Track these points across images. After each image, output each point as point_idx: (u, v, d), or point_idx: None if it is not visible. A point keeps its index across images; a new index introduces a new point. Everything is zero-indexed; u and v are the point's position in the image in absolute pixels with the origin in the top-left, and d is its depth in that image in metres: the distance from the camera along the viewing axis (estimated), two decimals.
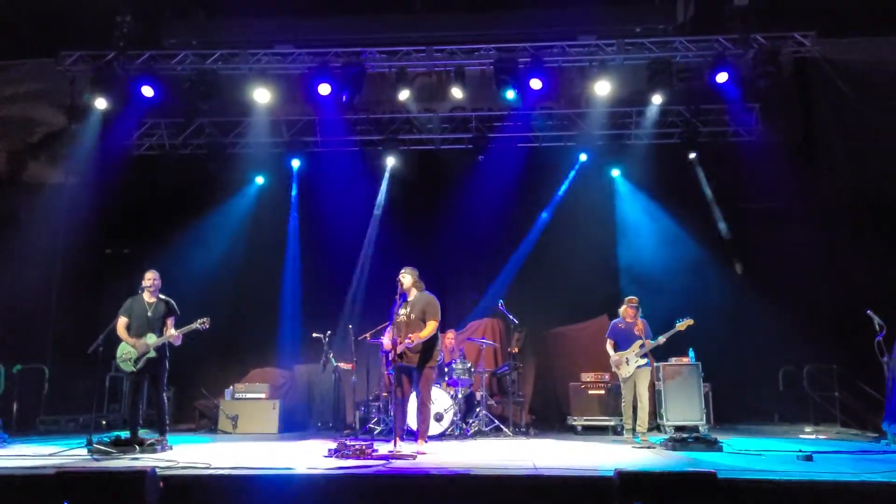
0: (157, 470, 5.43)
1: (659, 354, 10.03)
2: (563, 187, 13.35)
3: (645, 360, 9.28)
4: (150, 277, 8.46)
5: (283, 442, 9.27)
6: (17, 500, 5.57)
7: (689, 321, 9.12)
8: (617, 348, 9.39)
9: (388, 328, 8.37)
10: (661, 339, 9.17)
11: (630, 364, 9.21)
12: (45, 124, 12.32)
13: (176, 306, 8.60)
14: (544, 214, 13.41)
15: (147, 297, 8.38)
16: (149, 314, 8.33)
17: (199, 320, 8.37)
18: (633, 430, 9.28)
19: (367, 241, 13.43)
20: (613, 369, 9.49)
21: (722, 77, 11.25)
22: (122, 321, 8.28)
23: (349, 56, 11.69)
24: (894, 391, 8.76)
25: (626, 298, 9.59)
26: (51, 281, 11.78)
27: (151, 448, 7.65)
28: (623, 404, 9.51)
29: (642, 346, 9.17)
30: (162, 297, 8.54)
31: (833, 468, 6.43)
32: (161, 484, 5.28)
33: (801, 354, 11.66)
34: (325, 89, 11.48)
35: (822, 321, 11.33)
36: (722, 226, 12.71)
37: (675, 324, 9.10)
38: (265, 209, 13.36)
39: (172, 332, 8.32)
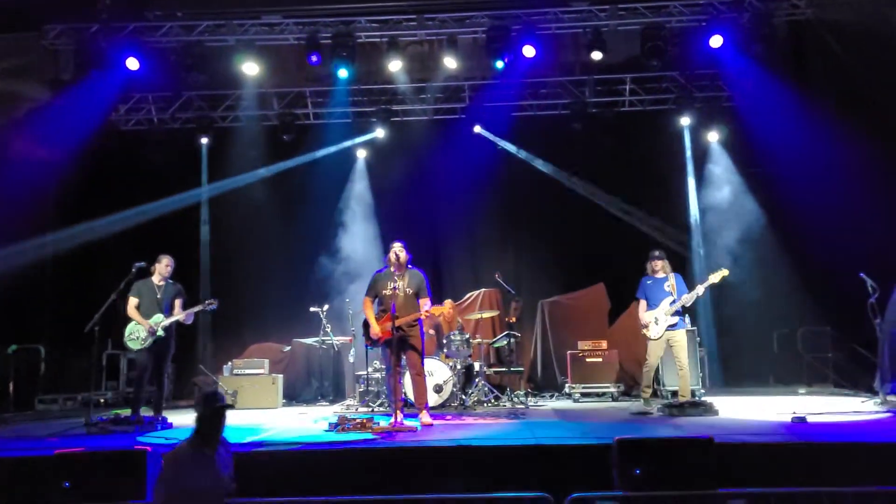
0: (157, 448, 5.44)
1: None
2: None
3: (677, 319, 8.60)
4: (167, 264, 8.59)
5: (284, 416, 9.29)
6: (17, 482, 5.58)
7: (723, 272, 8.53)
8: (648, 307, 8.77)
9: (370, 301, 8.27)
10: (695, 293, 8.51)
11: (659, 324, 8.59)
12: (30, 99, 12.14)
13: (183, 290, 8.77)
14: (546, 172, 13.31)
15: (157, 279, 8.49)
16: (158, 296, 8.47)
17: (206, 301, 8.60)
18: (655, 394, 8.96)
19: (362, 214, 13.38)
20: (643, 331, 8.85)
21: (716, 41, 11.16)
22: (133, 301, 8.39)
23: (339, 26, 11.53)
24: (886, 352, 8.82)
25: (651, 252, 8.93)
26: (43, 260, 11.70)
27: (151, 426, 7.67)
28: (645, 369, 8.88)
29: (673, 302, 8.54)
30: (170, 280, 8.66)
31: (826, 429, 6.48)
32: (161, 462, 5.29)
33: (796, 317, 11.75)
34: (314, 60, 11.35)
35: (816, 284, 11.37)
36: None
37: (707, 276, 8.58)
38: (258, 183, 13.26)
39: (190, 310, 8.50)
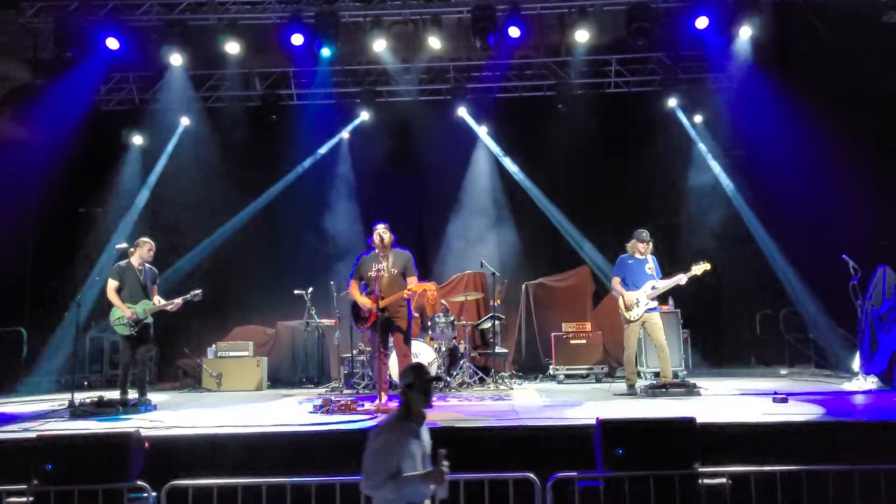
0: (142, 431, 5.42)
1: None
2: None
3: (655, 304, 8.68)
4: (149, 249, 8.49)
5: (269, 399, 9.28)
6: None
7: (705, 266, 8.48)
8: (625, 287, 8.67)
9: (355, 283, 8.22)
10: (676, 282, 8.49)
11: (640, 306, 8.54)
12: (9, 79, 11.97)
13: (157, 274, 8.76)
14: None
15: (136, 262, 8.36)
16: (141, 280, 8.38)
17: (192, 292, 8.48)
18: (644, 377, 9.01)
19: (347, 195, 13.32)
20: (621, 310, 8.73)
21: (702, 22, 11.14)
22: (112, 284, 8.25)
23: (322, 4, 11.40)
24: (867, 332, 8.92)
25: (637, 231, 8.81)
26: (25, 242, 11.59)
27: (135, 409, 7.64)
28: (626, 353, 8.79)
29: (654, 287, 8.53)
30: (149, 264, 8.58)
31: (807, 409, 6.56)
32: (146, 445, 5.28)
33: (777, 299, 11.85)
34: (298, 40, 11.23)
35: (799, 266, 11.46)
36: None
37: (690, 266, 8.51)
38: (242, 164, 13.16)
39: (176, 301, 8.42)
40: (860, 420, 5.79)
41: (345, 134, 13.57)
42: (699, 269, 8.44)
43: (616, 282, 8.81)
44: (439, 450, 4.11)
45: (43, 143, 11.50)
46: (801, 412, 6.37)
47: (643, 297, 8.55)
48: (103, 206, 12.75)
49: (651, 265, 8.64)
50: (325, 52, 11.46)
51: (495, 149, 13.43)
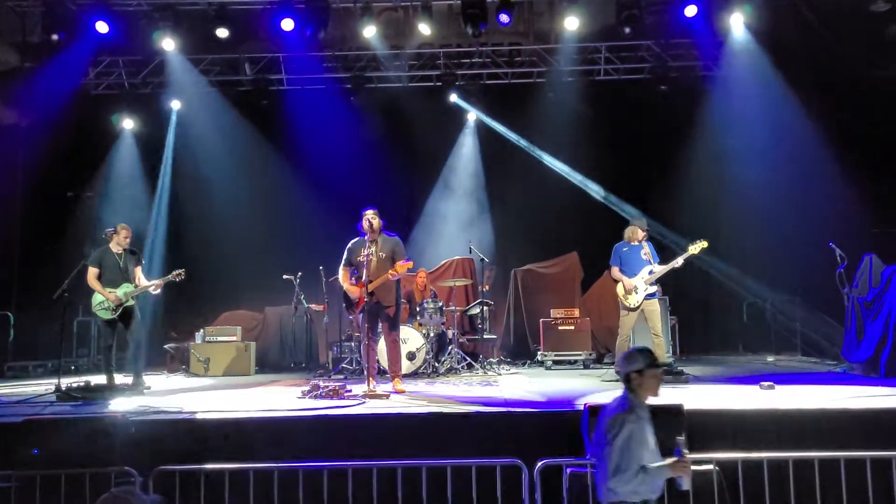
0: (128, 415, 5.42)
1: None
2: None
3: (655, 289, 8.61)
4: (126, 235, 8.53)
5: (257, 384, 9.28)
6: None
7: (702, 243, 8.34)
8: (625, 275, 8.59)
9: (345, 269, 8.22)
10: (673, 265, 8.37)
11: (639, 293, 8.46)
12: None
13: (141, 257, 8.81)
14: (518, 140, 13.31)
15: (115, 247, 8.40)
16: (121, 264, 8.41)
17: (174, 272, 8.54)
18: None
19: (337, 180, 13.27)
20: (620, 297, 8.65)
21: (691, 10, 11.14)
22: (93, 271, 8.31)
23: None
24: (853, 320, 8.98)
25: (633, 219, 8.82)
26: (12, 226, 11.52)
27: (121, 392, 7.63)
28: (619, 340, 8.66)
29: (651, 272, 8.47)
30: (129, 249, 8.61)
31: (794, 397, 6.61)
32: (132, 430, 5.28)
33: (765, 286, 11.91)
34: (288, 24, 11.16)
35: (786, 254, 11.51)
36: None
37: (687, 247, 8.39)
38: (231, 148, 13.09)
39: (156, 281, 8.50)
40: (845, 408, 5.83)
41: (336, 119, 13.47)
42: (696, 247, 8.33)
43: (615, 270, 8.75)
44: (678, 437, 4.00)
45: (31, 126, 11.42)
46: (788, 399, 6.41)
47: (641, 283, 8.49)
48: (93, 191, 12.69)
49: (647, 251, 8.57)
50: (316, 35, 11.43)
51: (485, 135, 13.41)
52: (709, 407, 5.93)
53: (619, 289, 8.68)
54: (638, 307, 8.52)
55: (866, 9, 10.62)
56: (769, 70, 11.76)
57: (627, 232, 8.73)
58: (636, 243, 8.62)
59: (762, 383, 7.21)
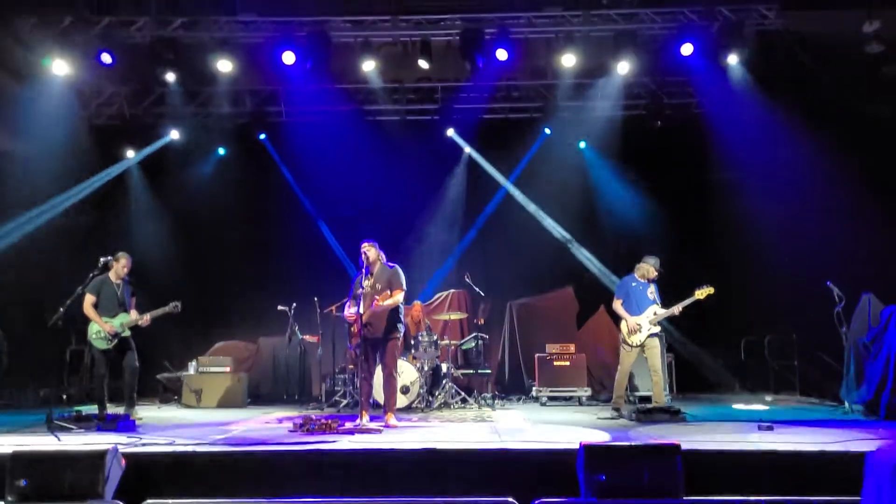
0: (119, 447, 5.35)
1: None
2: (527, 158, 13.33)
3: (658, 328, 8.73)
4: (125, 264, 8.63)
5: (249, 416, 9.20)
6: None
7: (709, 289, 8.41)
8: (626, 309, 8.71)
9: (348, 302, 8.28)
10: (677, 309, 8.50)
11: (643, 332, 8.59)
12: None
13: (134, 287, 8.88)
14: (508, 185, 13.40)
15: (114, 277, 8.42)
16: (118, 294, 8.49)
17: (171, 304, 8.58)
18: (628, 401, 9.11)
19: (333, 212, 13.31)
20: (623, 333, 8.75)
21: (687, 49, 11.26)
22: (89, 299, 8.32)
23: (314, 25, 11.45)
24: (853, 361, 8.93)
25: (651, 256, 8.84)
26: (5, 251, 11.46)
27: (114, 424, 7.54)
28: (618, 375, 8.80)
29: (656, 312, 8.58)
30: (126, 279, 8.71)
31: (793, 438, 6.54)
32: (123, 462, 5.21)
33: (763, 324, 11.88)
34: (289, 58, 11.25)
35: (783, 292, 11.50)
36: None
37: (694, 291, 8.45)
38: (228, 180, 13.13)
39: (146, 317, 8.53)
40: (847, 451, 5.76)
41: (333, 152, 13.52)
42: (702, 292, 8.40)
43: (618, 304, 8.83)
44: None
45: (27, 153, 11.45)
46: (788, 441, 6.34)
47: (646, 322, 8.59)
48: (87, 218, 12.67)
49: (652, 290, 8.69)
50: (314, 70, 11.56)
51: (482, 169, 13.48)
52: (707, 447, 5.86)
53: (623, 326, 8.74)
54: (637, 346, 8.61)
55: (860, 50, 10.74)
56: (764, 107, 11.86)
57: (641, 269, 8.79)
58: (645, 281, 8.70)
59: (761, 424, 7.14)
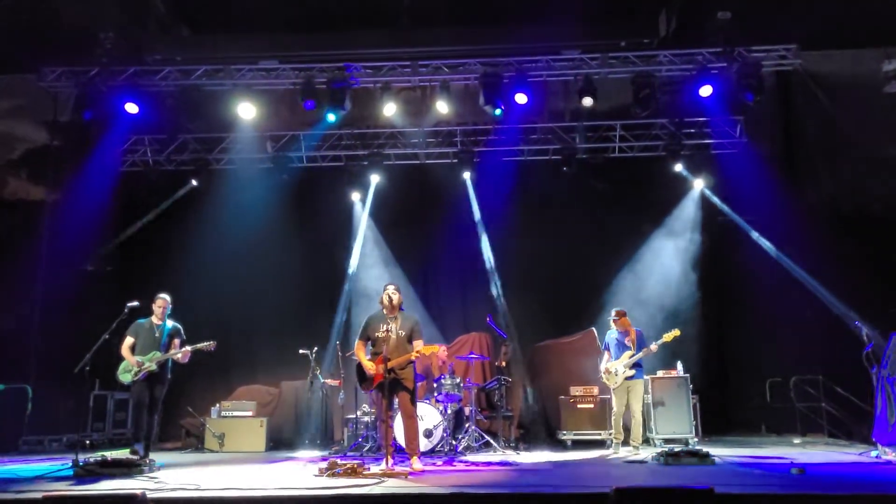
0: (147, 493, 5.34)
1: (647, 367, 10.04)
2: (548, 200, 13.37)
3: (633, 372, 9.40)
4: (160, 304, 8.82)
5: (272, 461, 9.15)
6: None
7: (675, 332, 9.40)
8: (612, 358, 9.57)
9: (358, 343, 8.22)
10: (647, 351, 9.36)
11: (618, 375, 9.40)
12: (27, 140, 12.19)
13: (182, 331, 9.00)
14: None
15: (155, 319, 8.68)
16: (156, 335, 8.67)
17: (207, 342, 8.64)
18: (624, 442, 9.40)
19: (353, 256, 13.36)
20: (602, 379, 9.67)
21: (706, 90, 11.37)
22: (128, 341, 8.64)
23: (334, 71, 11.68)
24: (884, 402, 8.78)
25: (620, 310, 9.74)
26: (33, 299, 11.61)
27: (139, 469, 7.54)
28: (613, 417, 9.67)
29: (632, 356, 9.33)
30: (170, 321, 8.88)
31: (826, 482, 6.42)
32: None
33: (788, 365, 11.72)
34: (309, 105, 11.46)
35: (809, 332, 11.39)
36: None
37: (661, 335, 9.41)
38: (250, 225, 13.20)
39: (178, 350, 8.66)
40: (881, 493, 5.65)
41: (355, 196, 13.64)
42: (669, 336, 9.36)
43: (605, 355, 9.76)
44: None
45: (56, 203, 11.66)
46: (822, 484, 6.22)
47: (621, 367, 9.39)
48: (113, 265, 12.82)
49: (632, 337, 9.40)
50: (331, 117, 11.75)
51: (501, 210, 13.49)
52: (739, 490, 5.76)
53: (602, 371, 9.67)
54: (619, 388, 9.45)
55: (880, 91, 10.80)
56: (784, 146, 11.89)
57: (619, 323, 9.57)
58: (621, 330, 9.53)
59: (793, 469, 7.00)
